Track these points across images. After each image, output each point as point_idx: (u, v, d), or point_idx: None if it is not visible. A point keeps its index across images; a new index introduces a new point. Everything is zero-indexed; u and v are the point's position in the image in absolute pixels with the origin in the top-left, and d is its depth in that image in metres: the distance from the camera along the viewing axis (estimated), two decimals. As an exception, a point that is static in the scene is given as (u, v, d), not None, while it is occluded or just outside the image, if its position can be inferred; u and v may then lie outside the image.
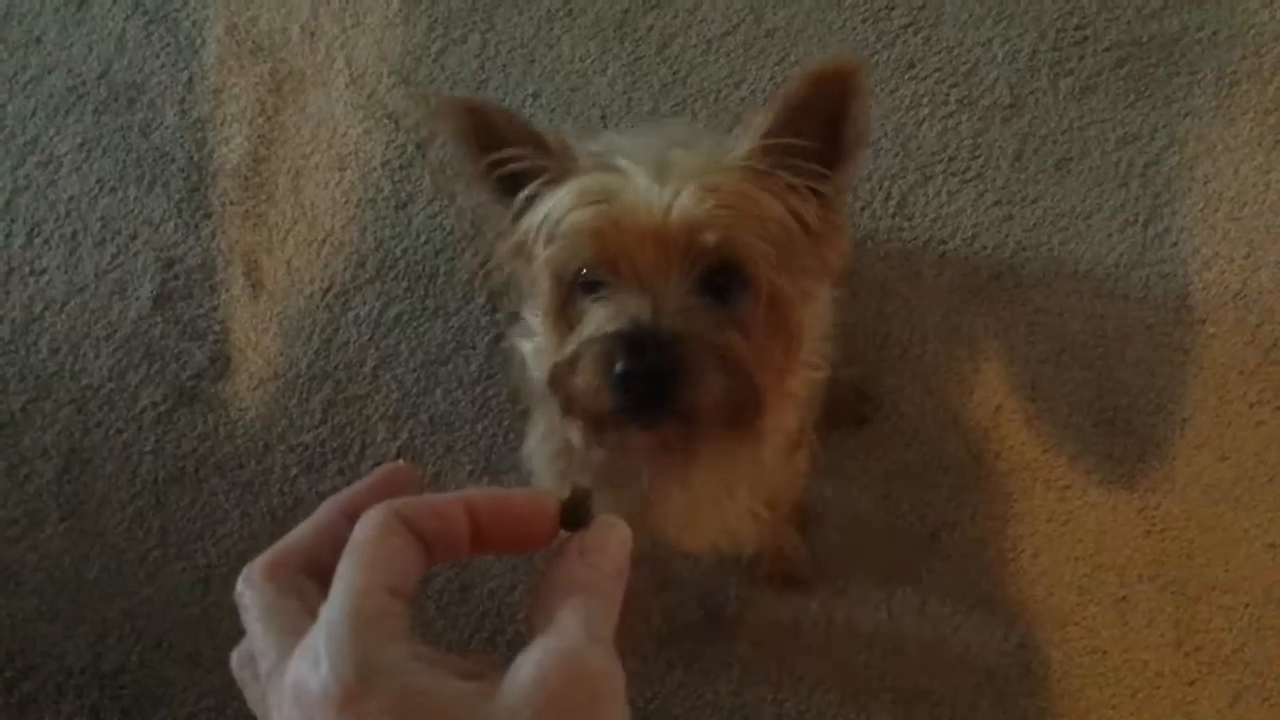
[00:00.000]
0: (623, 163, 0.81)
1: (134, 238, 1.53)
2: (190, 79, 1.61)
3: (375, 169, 1.55)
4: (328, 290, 1.49)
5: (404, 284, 1.48)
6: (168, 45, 1.63)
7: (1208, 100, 1.53)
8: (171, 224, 1.53)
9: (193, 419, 1.43)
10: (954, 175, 1.50)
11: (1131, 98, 1.54)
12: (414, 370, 1.45)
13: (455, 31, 1.61)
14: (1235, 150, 1.51)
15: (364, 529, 0.37)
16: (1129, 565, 1.34)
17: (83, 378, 1.46)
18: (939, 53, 1.56)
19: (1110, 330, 1.43)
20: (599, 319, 0.79)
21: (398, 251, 1.50)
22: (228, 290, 1.50)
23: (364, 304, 1.48)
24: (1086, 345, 1.43)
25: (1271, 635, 1.32)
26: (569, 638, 0.36)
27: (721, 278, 0.79)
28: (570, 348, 0.80)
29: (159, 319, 1.48)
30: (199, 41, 1.63)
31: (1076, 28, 1.57)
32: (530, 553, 0.40)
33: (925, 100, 1.54)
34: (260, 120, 1.58)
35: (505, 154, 0.81)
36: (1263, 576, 1.33)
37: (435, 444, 1.42)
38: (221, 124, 1.58)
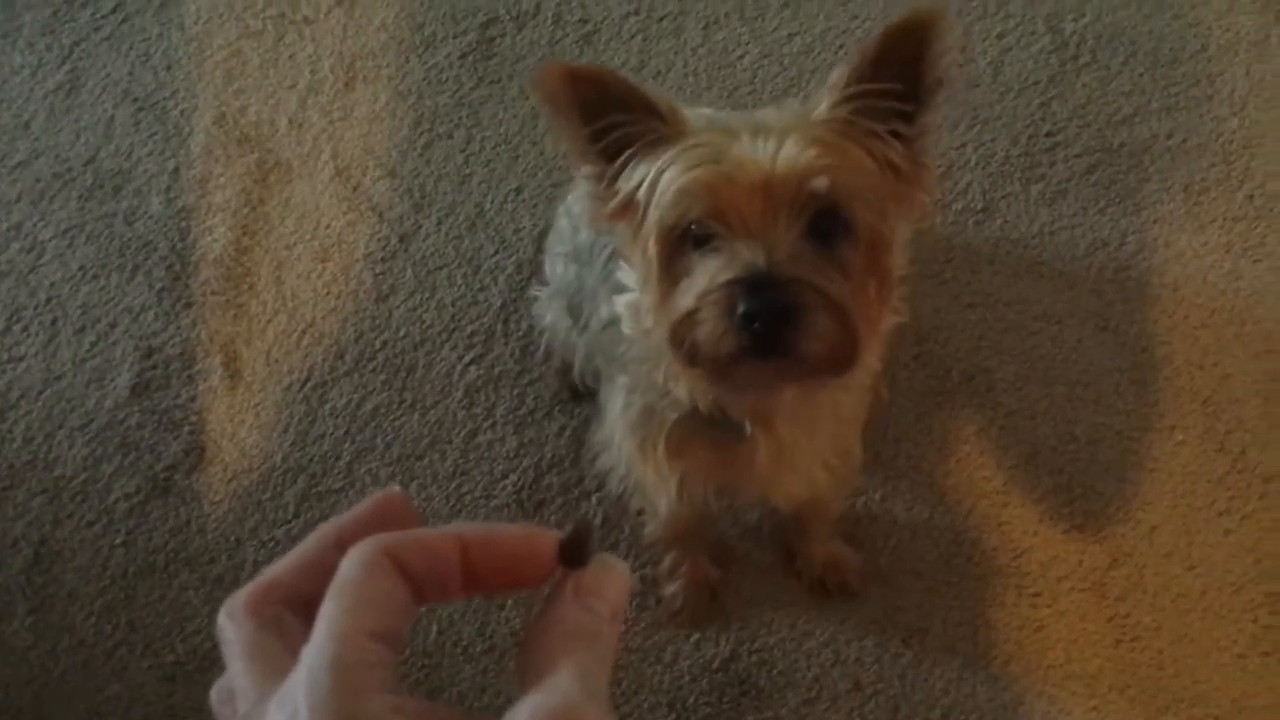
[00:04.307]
0: (729, 122, 0.86)
1: (114, 326, 1.54)
2: (177, 167, 1.63)
3: (358, 261, 1.56)
4: (305, 382, 1.50)
5: (382, 377, 1.49)
6: (155, 134, 1.66)
7: (1177, 207, 1.56)
8: (152, 313, 1.54)
9: (165, 512, 1.43)
10: (928, 277, 1.52)
11: (1102, 203, 1.57)
12: (389, 465, 1.45)
13: (441, 126, 1.64)
14: (1204, 257, 1.54)
15: (350, 567, 0.35)
16: (1099, 675, 1.34)
17: (56, 467, 1.46)
18: (914, 157, 1.59)
19: (1080, 435, 1.44)
20: (712, 269, 0.83)
21: (377, 344, 1.51)
22: (205, 380, 1.50)
23: (341, 396, 1.48)
24: (1057, 450, 1.44)
25: (1241, 747, 1.32)
26: (563, 693, 0.34)
27: (825, 223, 0.83)
28: (686, 302, 0.84)
29: (135, 409, 1.48)
30: (187, 130, 1.66)
31: (1048, 134, 1.61)
32: (524, 592, 0.38)
33: (900, 203, 1.56)
34: (245, 210, 1.60)
35: (613, 119, 0.85)
36: (1232, 687, 1.33)
37: (408, 539, 1.41)
38: (206, 213, 1.60)
